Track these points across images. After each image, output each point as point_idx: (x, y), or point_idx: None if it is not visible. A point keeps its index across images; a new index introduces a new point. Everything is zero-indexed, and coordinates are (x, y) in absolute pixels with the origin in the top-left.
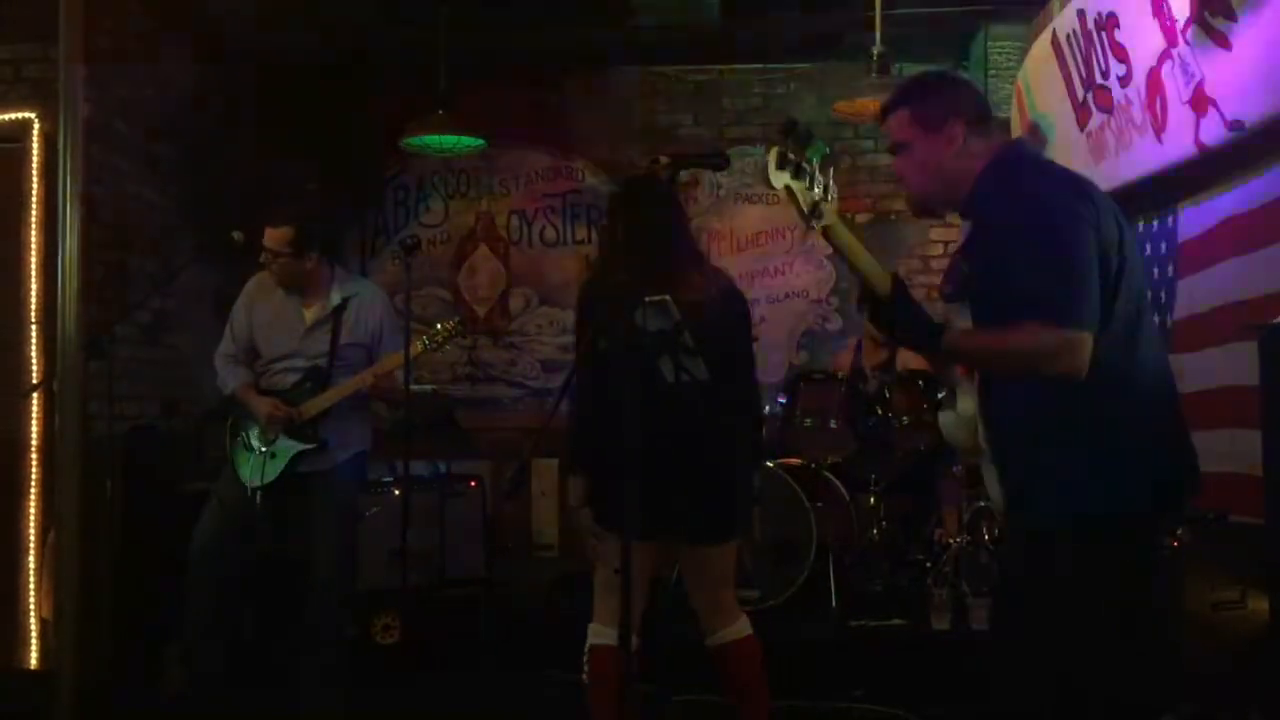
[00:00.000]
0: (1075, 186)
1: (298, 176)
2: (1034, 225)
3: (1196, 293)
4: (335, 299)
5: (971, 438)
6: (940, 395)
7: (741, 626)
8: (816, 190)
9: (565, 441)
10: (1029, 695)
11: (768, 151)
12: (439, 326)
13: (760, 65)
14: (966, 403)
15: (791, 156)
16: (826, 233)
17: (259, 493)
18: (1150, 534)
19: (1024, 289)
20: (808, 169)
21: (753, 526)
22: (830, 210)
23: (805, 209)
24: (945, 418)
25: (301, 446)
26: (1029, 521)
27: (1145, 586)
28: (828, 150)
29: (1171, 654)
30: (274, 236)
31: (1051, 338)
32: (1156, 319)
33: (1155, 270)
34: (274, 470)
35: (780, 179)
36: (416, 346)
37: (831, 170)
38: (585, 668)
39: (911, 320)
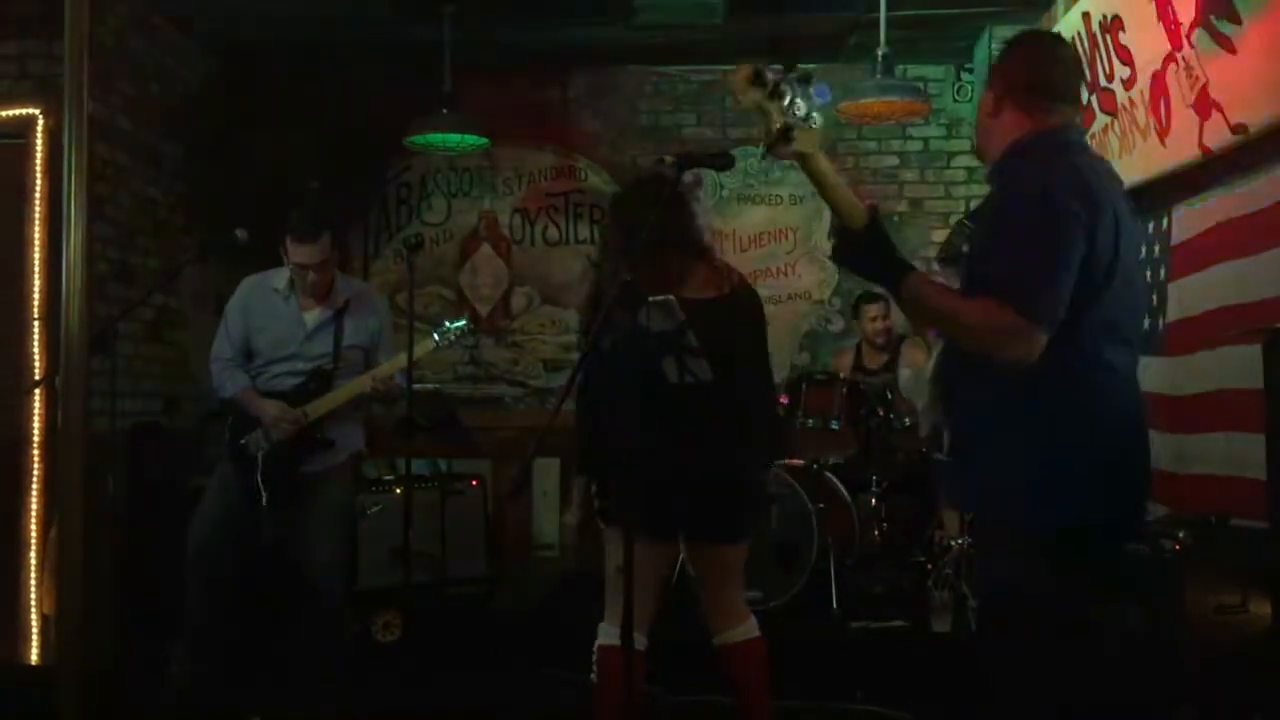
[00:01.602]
0: (1083, 181)
1: (302, 174)
2: (1026, 212)
3: (1190, 295)
4: (338, 301)
5: (922, 396)
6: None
7: (750, 627)
8: (795, 115)
9: (576, 444)
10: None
11: (737, 67)
12: (448, 325)
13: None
14: (931, 365)
15: (770, 76)
16: (801, 160)
17: (263, 493)
18: (1110, 541)
19: (996, 268)
20: (786, 90)
21: (766, 526)
22: (809, 138)
23: (776, 130)
24: (904, 374)
25: (306, 447)
26: (992, 525)
27: (1108, 595)
28: (828, 99)
29: (1172, 656)
30: (312, 251)
31: (1006, 320)
32: (1148, 322)
33: (1148, 273)
34: (278, 471)
35: (752, 95)
36: (427, 345)
37: (820, 102)
38: (594, 667)
39: (880, 253)
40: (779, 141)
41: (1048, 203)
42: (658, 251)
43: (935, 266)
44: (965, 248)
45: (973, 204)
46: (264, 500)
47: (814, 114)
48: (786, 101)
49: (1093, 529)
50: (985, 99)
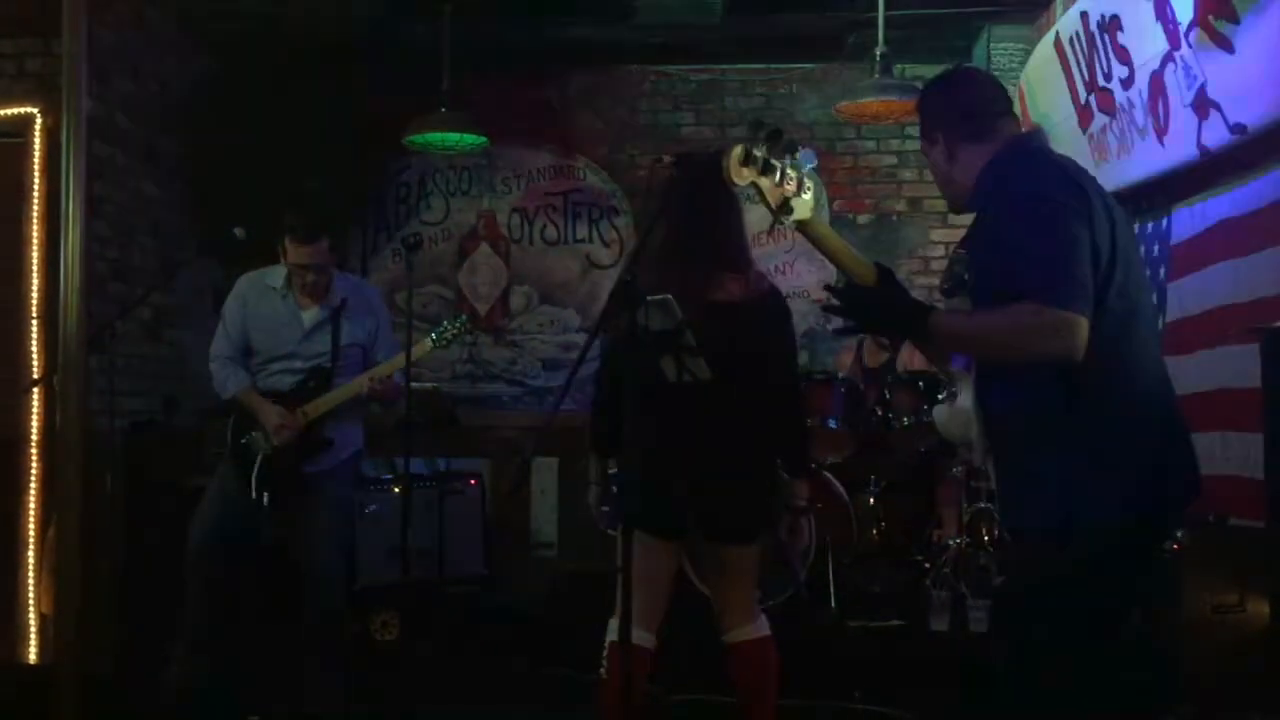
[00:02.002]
0: (1068, 178)
1: (299, 173)
2: (1027, 215)
3: (1189, 295)
4: (335, 299)
5: (964, 432)
6: (941, 396)
7: (760, 626)
8: (788, 186)
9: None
10: (1026, 699)
11: (729, 151)
12: (446, 324)
13: (763, 65)
14: (964, 397)
15: (758, 154)
16: (802, 228)
17: (265, 492)
18: (1145, 541)
19: (1018, 274)
20: (777, 165)
21: (799, 541)
22: (805, 205)
23: (774, 205)
24: (939, 412)
25: (307, 447)
26: (1025, 526)
27: (1135, 594)
28: (815, 163)
29: (1168, 657)
30: (311, 252)
31: (1046, 316)
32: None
33: (1147, 272)
34: (279, 471)
35: (745, 176)
36: (425, 345)
37: (809, 168)
38: (604, 664)
39: (899, 304)
40: (779, 213)
41: (1042, 199)
42: (707, 246)
43: (938, 297)
44: (966, 275)
45: None
46: (265, 500)
47: (806, 182)
48: (778, 176)
49: (1147, 519)
50: (935, 154)
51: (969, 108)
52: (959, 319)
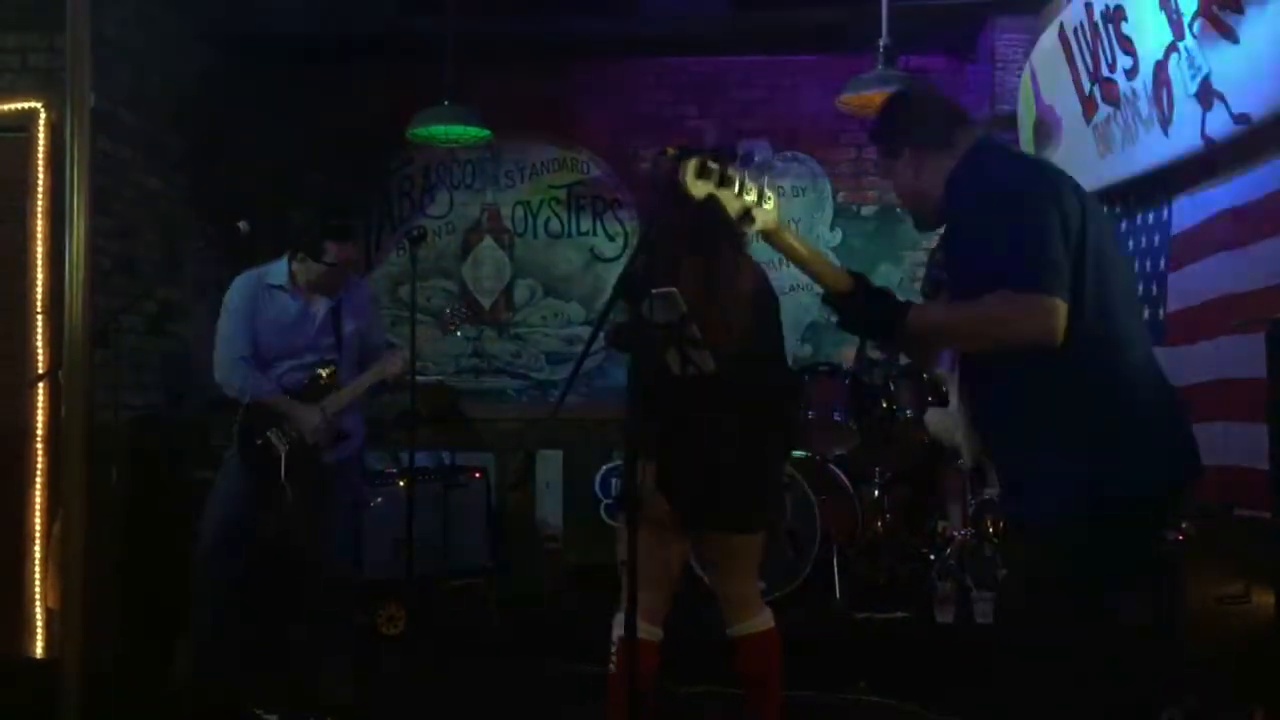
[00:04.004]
0: (1035, 169)
1: (303, 167)
2: (999, 207)
3: (1190, 285)
4: (339, 292)
5: (952, 436)
6: (932, 400)
7: (765, 619)
8: (748, 197)
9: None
10: (1031, 689)
11: (683, 162)
12: (449, 312)
13: (766, 57)
14: (953, 400)
15: (713, 165)
16: (768, 239)
17: (287, 489)
18: (1145, 526)
19: (993, 262)
20: (733, 176)
21: (782, 516)
22: (766, 216)
23: (735, 215)
24: (931, 414)
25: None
26: (1025, 516)
27: (1138, 581)
28: (767, 153)
29: (1174, 647)
30: (349, 249)
31: (1020, 300)
32: (1148, 312)
33: (1148, 263)
34: (300, 466)
35: (702, 189)
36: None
37: (765, 177)
38: (613, 657)
39: (875, 306)
40: (740, 225)
41: (1010, 189)
42: (703, 240)
43: (921, 301)
44: (943, 276)
45: None
46: (288, 496)
47: (766, 192)
48: (737, 188)
49: (1143, 501)
50: (901, 170)
51: (932, 117)
52: (937, 312)
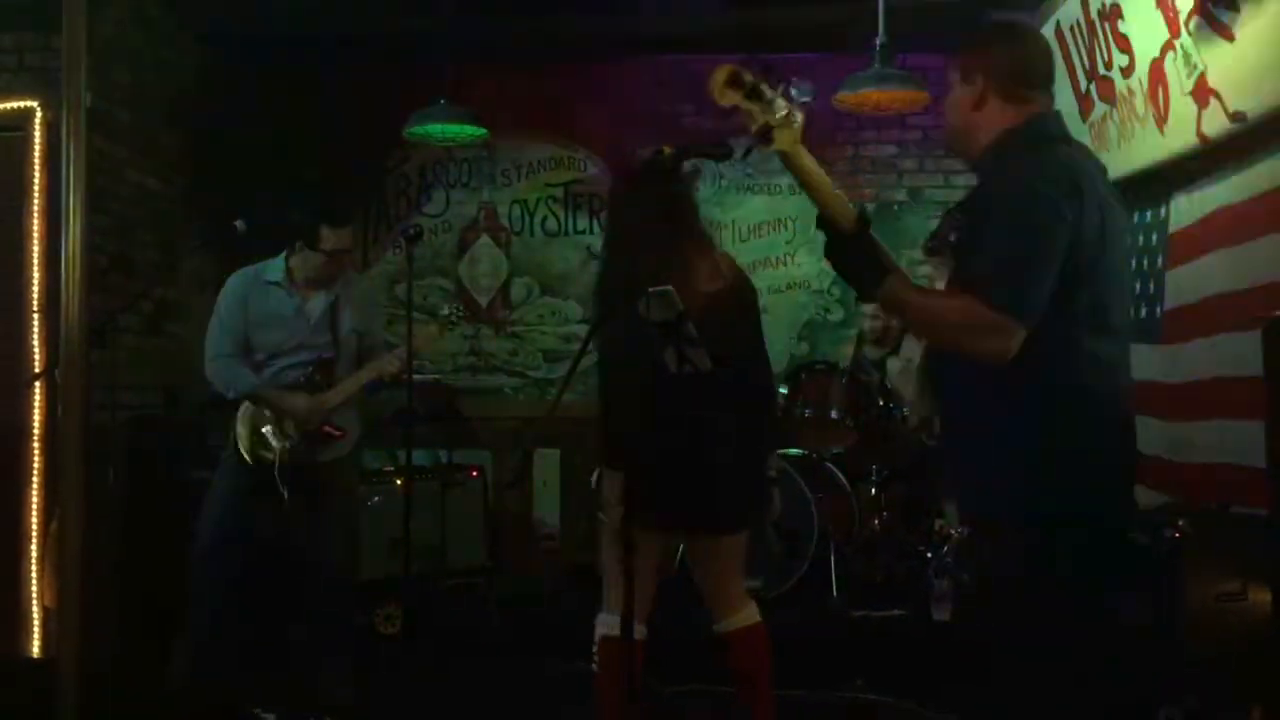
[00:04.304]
0: (1066, 177)
1: (300, 165)
2: (1010, 208)
3: (1187, 283)
4: (335, 289)
5: (908, 392)
6: (897, 351)
7: (750, 614)
8: (777, 115)
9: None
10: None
11: (716, 70)
12: (446, 311)
13: (763, 55)
14: (913, 349)
15: (748, 78)
16: (784, 159)
17: (283, 488)
18: (1099, 526)
19: (977, 264)
20: (768, 94)
21: (770, 512)
22: (788, 137)
23: (755, 130)
24: (893, 365)
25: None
26: (980, 512)
27: (1103, 583)
28: (811, 96)
29: (1173, 646)
30: (344, 235)
31: (985, 315)
32: (1145, 310)
33: (1145, 261)
34: (297, 464)
35: (731, 97)
36: (431, 330)
37: (805, 100)
38: (595, 657)
39: (863, 259)
40: (758, 141)
41: (1032, 198)
42: (661, 243)
43: (922, 256)
44: (953, 237)
45: None
46: (285, 495)
47: (795, 113)
48: (766, 101)
49: (1080, 517)
50: (963, 94)
51: (1017, 67)
52: (909, 294)
